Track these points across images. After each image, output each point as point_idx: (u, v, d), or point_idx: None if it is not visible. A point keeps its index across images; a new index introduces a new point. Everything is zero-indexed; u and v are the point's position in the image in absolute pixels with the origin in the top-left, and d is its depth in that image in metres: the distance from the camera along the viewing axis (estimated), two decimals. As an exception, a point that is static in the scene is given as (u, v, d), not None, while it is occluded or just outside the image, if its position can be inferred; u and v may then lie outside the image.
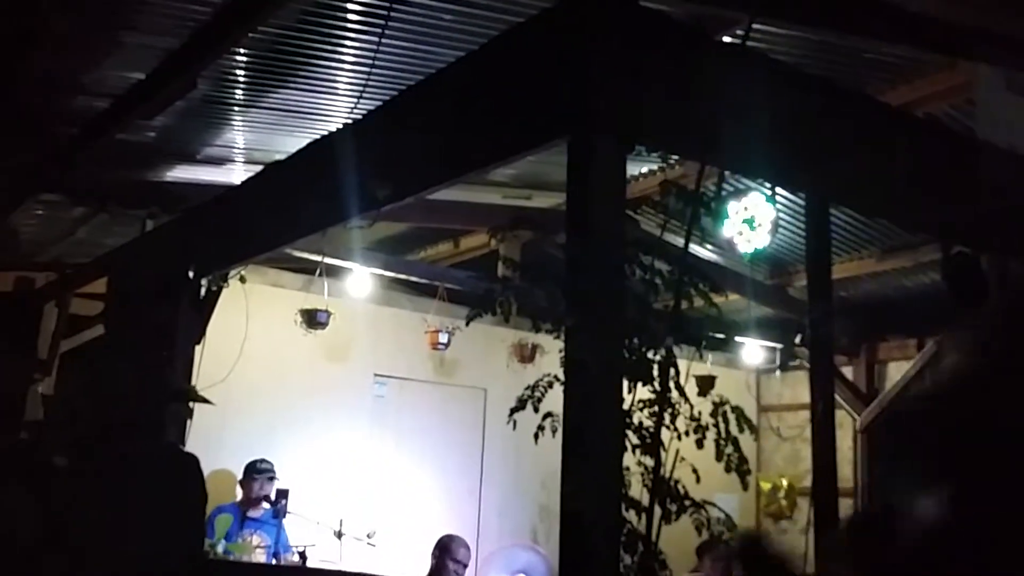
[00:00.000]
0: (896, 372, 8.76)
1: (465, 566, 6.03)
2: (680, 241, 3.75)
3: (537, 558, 7.24)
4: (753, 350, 8.60)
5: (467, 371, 7.91)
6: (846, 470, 8.30)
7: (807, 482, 8.89)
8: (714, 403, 3.39)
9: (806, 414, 8.72)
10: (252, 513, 6.31)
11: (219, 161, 6.22)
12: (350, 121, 5.24)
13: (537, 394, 3.48)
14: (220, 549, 5.79)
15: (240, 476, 6.46)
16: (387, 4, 4.26)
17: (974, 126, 5.02)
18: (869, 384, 8.87)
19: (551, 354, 7.00)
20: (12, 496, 3.42)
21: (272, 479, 6.35)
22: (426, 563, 6.04)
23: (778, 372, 8.88)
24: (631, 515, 3.17)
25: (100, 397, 4.05)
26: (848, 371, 8.85)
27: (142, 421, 3.82)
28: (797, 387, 8.97)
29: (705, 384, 6.17)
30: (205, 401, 4.58)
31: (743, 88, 3.67)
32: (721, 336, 4.98)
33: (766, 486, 9.20)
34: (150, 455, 3.74)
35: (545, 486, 7.52)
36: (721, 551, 6.82)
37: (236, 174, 6.28)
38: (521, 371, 7.30)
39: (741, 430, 3.41)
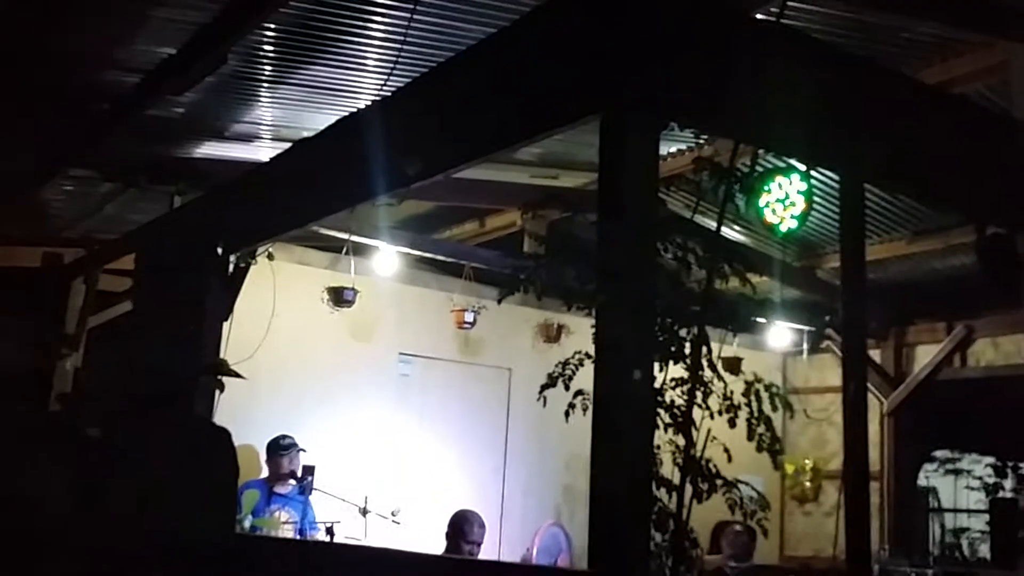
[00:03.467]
0: (924, 355, 8.70)
1: (479, 544, 5.97)
2: (709, 222, 3.72)
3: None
4: (780, 332, 8.55)
5: (492, 351, 7.90)
6: (873, 453, 8.22)
7: (833, 465, 8.87)
8: (747, 382, 3.37)
9: (833, 397, 8.73)
10: (279, 489, 6.35)
11: (247, 138, 6.22)
12: (379, 98, 5.22)
13: (568, 372, 3.46)
14: (247, 524, 5.84)
15: (264, 453, 6.48)
16: (419, -21, 4.24)
17: (1009, 106, 4.96)
18: (897, 367, 8.81)
19: (576, 334, 7.04)
20: (45, 465, 3.45)
21: (298, 452, 6.37)
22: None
23: (805, 355, 8.82)
24: (662, 494, 3.16)
25: (131, 371, 4.07)
26: (876, 354, 8.79)
27: (174, 394, 3.84)
28: (824, 370, 8.92)
29: (733, 366, 6.13)
30: (237, 375, 4.60)
31: (777, 65, 3.63)
32: (754, 318, 4.96)
33: (791, 468, 9.17)
34: (182, 428, 3.76)
35: (569, 467, 7.54)
36: (740, 533, 6.81)
37: (264, 151, 6.29)
38: (546, 351, 7.31)
39: (775, 408, 3.39)
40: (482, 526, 5.97)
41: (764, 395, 3.36)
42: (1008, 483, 10.16)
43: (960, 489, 10.75)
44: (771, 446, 3.36)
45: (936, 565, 7.44)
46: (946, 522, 10.71)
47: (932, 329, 8.69)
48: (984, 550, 9.70)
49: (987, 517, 9.79)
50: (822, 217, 6.64)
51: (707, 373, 3.25)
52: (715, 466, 3.22)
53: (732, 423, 3.31)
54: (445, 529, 6.02)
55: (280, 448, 6.39)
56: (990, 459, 10.16)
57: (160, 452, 3.50)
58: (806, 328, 8.50)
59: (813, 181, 5.60)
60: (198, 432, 3.83)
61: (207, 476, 3.56)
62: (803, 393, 9.21)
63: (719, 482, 3.19)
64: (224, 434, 3.78)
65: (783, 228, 4.24)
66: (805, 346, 8.68)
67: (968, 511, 10.60)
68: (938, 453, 10.32)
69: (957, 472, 10.64)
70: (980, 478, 10.34)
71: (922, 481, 10.06)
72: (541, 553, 7.27)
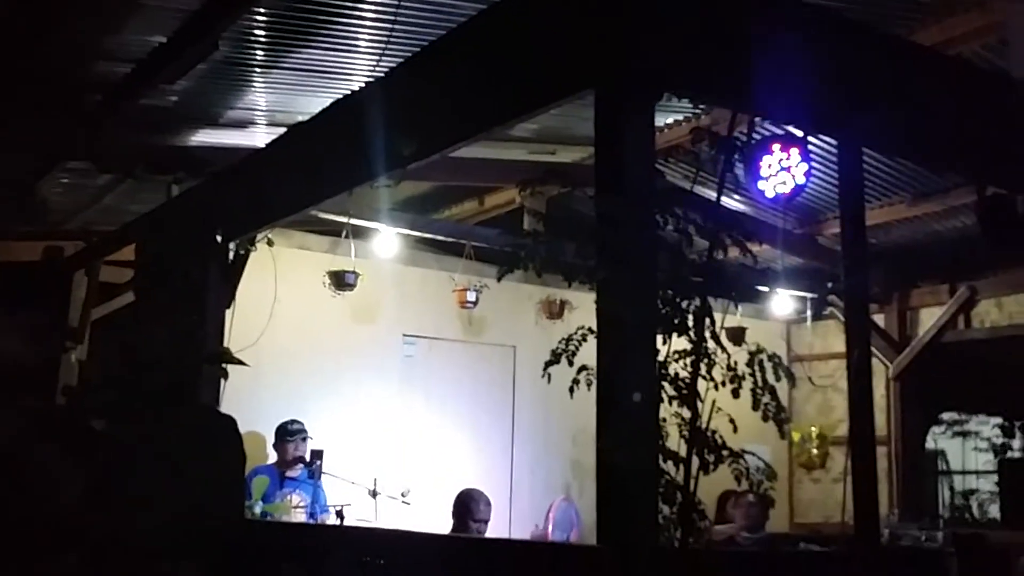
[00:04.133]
0: (928, 318, 8.68)
1: (486, 522, 5.95)
2: (708, 193, 3.70)
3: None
4: (783, 300, 8.54)
5: (496, 329, 7.90)
6: (880, 418, 8.23)
7: (839, 431, 8.87)
8: (750, 352, 3.36)
9: (837, 363, 8.72)
10: (290, 473, 6.36)
11: (242, 124, 6.20)
12: (372, 79, 5.20)
13: (571, 347, 3.46)
14: (257, 510, 5.85)
15: (272, 439, 6.49)
16: (408, -42, 4.20)
17: (1007, 66, 4.92)
18: (901, 331, 8.79)
19: (579, 310, 7.02)
20: (52, 459, 3.46)
21: (305, 439, 6.38)
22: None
23: (809, 322, 8.81)
24: (668, 466, 3.16)
25: (135, 361, 4.07)
26: (880, 319, 8.78)
27: (179, 384, 3.84)
28: (828, 337, 8.91)
29: (736, 335, 6.13)
30: (240, 363, 4.60)
31: (773, 33, 3.60)
32: (756, 287, 4.94)
33: (797, 436, 9.18)
34: (188, 417, 3.76)
35: (576, 442, 7.54)
36: (753, 504, 6.81)
37: (259, 137, 6.27)
38: (550, 327, 7.29)
39: (778, 378, 3.38)
40: (488, 504, 5.93)
41: (768, 365, 3.35)
42: (1016, 443, 10.19)
43: (968, 451, 10.78)
44: (777, 415, 3.36)
45: (946, 527, 7.46)
46: (955, 484, 10.75)
47: (935, 291, 8.67)
48: (994, 511, 9.74)
49: (996, 478, 9.83)
50: (822, 183, 6.61)
51: (710, 344, 3.24)
52: (721, 437, 3.22)
53: (736, 393, 3.31)
54: (452, 508, 6.01)
55: (287, 434, 6.40)
56: (998, 420, 10.19)
57: (166, 442, 3.51)
58: (809, 295, 8.48)
59: (811, 147, 5.57)
60: (204, 421, 3.84)
61: (214, 465, 3.56)
62: (808, 360, 9.20)
63: (725, 453, 3.19)
64: (230, 422, 3.79)
65: (780, 196, 4.23)
66: (808, 313, 8.66)
67: (977, 472, 10.63)
68: (945, 415, 10.34)
69: (965, 434, 10.67)
70: (988, 439, 10.38)
71: (930, 444, 10.08)
72: (556, 528, 7.29)
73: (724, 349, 3.29)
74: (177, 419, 3.67)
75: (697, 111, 5.77)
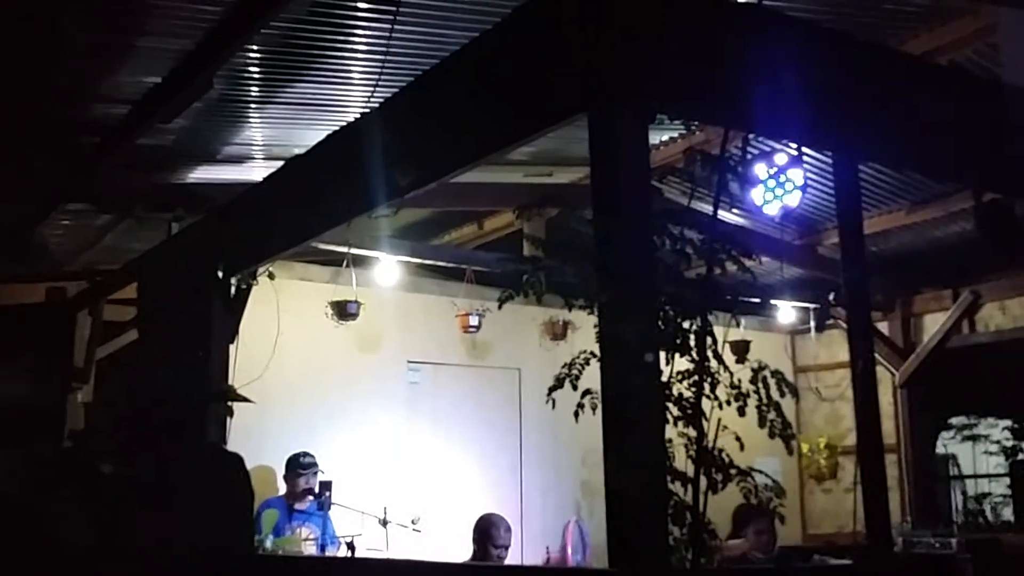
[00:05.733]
0: (932, 324, 8.67)
1: (507, 547, 5.94)
2: (707, 208, 3.71)
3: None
4: (787, 312, 8.54)
5: (500, 352, 7.90)
6: (888, 425, 8.23)
7: (849, 440, 8.85)
8: (753, 369, 3.36)
9: (844, 373, 8.71)
10: (299, 506, 6.35)
11: (239, 159, 6.23)
12: (367, 111, 5.22)
13: (574, 372, 3.45)
14: (268, 544, 5.84)
15: (282, 470, 6.49)
16: (397, -10, 4.24)
17: (998, 70, 4.94)
18: (906, 338, 8.79)
19: (583, 329, 7.00)
20: (61, 504, 3.46)
21: (316, 473, 6.37)
22: (470, 546, 6.02)
23: (813, 332, 8.80)
24: (677, 487, 3.15)
25: (140, 401, 4.08)
26: (884, 326, 8.77)
27: (184, 423, 3.85)
28: (833, 346, 8.90)
29: (740, 349, 6.13)
30: (245, 400, 4.61)
31: (764, 49, 3.61)
32: (755, 300, 4.94)
33: (806, 447, 9.16)
34: (195, 456, 3.76)
35: (585, 462, 7.53)
36: (765, 522, 6.72)
37: (257, 171, 6.29)
38: (554, 348, 7.30)
39: (782, 394, 3.38)
40: (508, 529, 5.93)
41: (771, 381, 3.35)
42: (1027, 444, 10.15)
43: (979, 455, 10.74)
44: (783, 431, 3.35)
45: (960, 533, 7.42)
46: (968, 488, 10.70)
47: (938, 297, 8.66)
48: (1008, 513, 9.69)
49: (1008, 480, 9.79)
50: (819, 194, 6.62)
51: (713, 363, 3.23)
52: (728, 455, 3.21)
53: (741, 411, 3.30)
54: (471, 534, 5.99)
55: (299, 467, 6.39)
56: (1007, 422, 10.15)
57: (173, 483, 3.51)
58: (812, 306, 8.48)
59: (809, 158, 5.59)
60: (210, 459, 3.84)
61: (222, 503, 3.56)
62: (814, 371, 9.19)
63: (733, 471, 3.18)
64: (237, 460, 3.79)
65: (777, 211, 4.23)
66: (812, 324, 8.66)
67: (989, 476, 10.58)
68: (954, 420, 10.31)
69: (975, 438, 10.63)
70: (998, 442, 10.33)
71: (940, 449, 10.05)
72: (575, 551, 7.28)
73: (727, 368, 3.29)
74: (183, 458, 3.67)
75: (691, 128, 5.79)
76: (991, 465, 10.47)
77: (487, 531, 5.86)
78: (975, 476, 10.77)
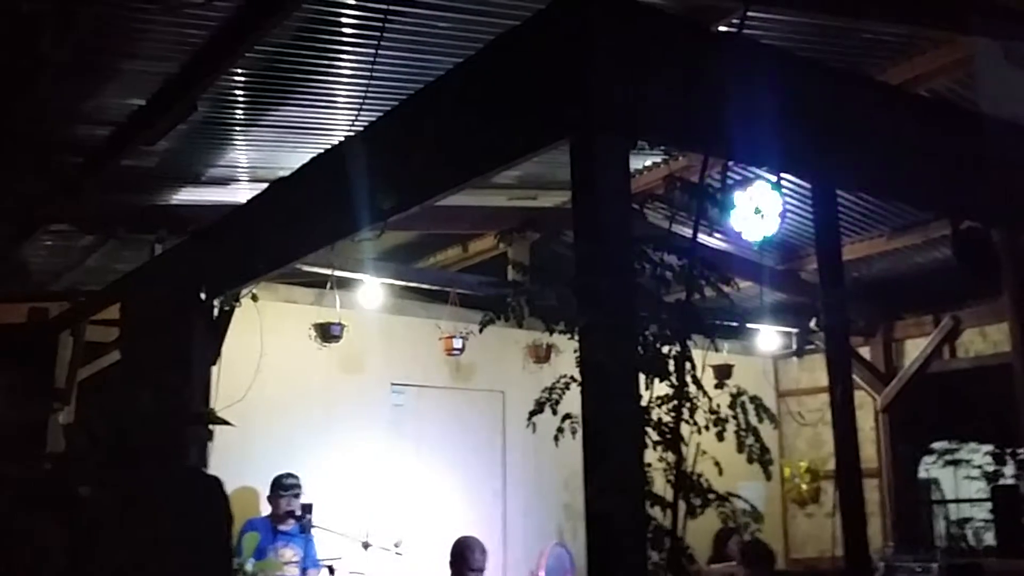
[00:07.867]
0: (914, 349, 8.73)
1: (483, 571, 5.92)
2: (688, 232, 3.74)
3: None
4: (769, 336, 8.58)
5: (483, 375, 7.91)
6: (870, 450, 8.28)
7: (830, 465, 8.87)
8: (732, 395, 3.38)
9: (826, 397, 8.65)
10: (283, 527, 6.33)
11: (224, 181, 6.23)
12: (351, 134, 5.24)
13: (555, 396, 3.47)
14: (248, 567, 5.80)
15: (266, 491, 6.46)
16: (382, 15, 4.26)
17: (975, 100, 5.01)
18: (887, 363, 8.84)
19: (566, 352, 7.01)
20: (40, 528, 3.44)
21: (298, 495, 6.35)
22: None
23: (795, 357, 8.84)
24: (656, 511, 3.16)
25: (120, 424, 4.06)
26: (865, 351, 8.83)
27: (164, 446, 3.83)
28: (815, 371, 8.95)
29: (722, 373, 6.15)
30: (225, 423, 4.59)
31: (744, 78, 3.65)
32: (735, 325, 4.97)
33: (787, 472, 9.18)
34: (174, 480, 3.75)
35: (568, 485, 7.53)
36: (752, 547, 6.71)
37: (241, 193, 6.30)
38: (537, 371, 7.32)
39: (761, 420, 3.40)
40: (484, 552, 5.91)
41: (750, 406, 3.37)
42: (1008, 470, 10.18)
43: (961, 479, 10.77)
44: (761, 457, 3.37)
45: (942, 557, 7.44)
46: (950, 513, 10.72)
47: (919, 323, 8.73)
48: (990, 538, 9.71)
49: (990, 505, 9.81)
50: (801, 220, 6.68)
51: (692, 389, 3.25)
52: (707, 480, 3.23)
53: (720, 436, 3.32)
54: (448, 558, 5.97)
55: (281, 488, 6.37)
56: (988, 447, 10.19)
57: (151, 507, 3.49)
58: (794, 330, 8.53)
59: (789, 184, 5.63)
60: (189, 484, 3.82)
61: (201, 527, 3.55)
62: (796, 395, 9.23)
63: (711, 496, 3.20)
64: (216, 483, 3.78)
65: (757, 237, 4.27)
66: (794, 348, 8.70)
67: (971, 500, 10.61)
68: (936, 445, 10.33)
69: (956, 463, 10.65)
70: (980, 467, 10.36)
71: (923, 474, 10.07)
72: (549, 575, 7.24)
73: (706, 393, 3.31)
74: (162, 482, 3.66)
75: (671, 154, 5.83)
76: (973, 490, 10.50)
77: (462, 554, 5.85)
78: (957, 501, 10.78)
